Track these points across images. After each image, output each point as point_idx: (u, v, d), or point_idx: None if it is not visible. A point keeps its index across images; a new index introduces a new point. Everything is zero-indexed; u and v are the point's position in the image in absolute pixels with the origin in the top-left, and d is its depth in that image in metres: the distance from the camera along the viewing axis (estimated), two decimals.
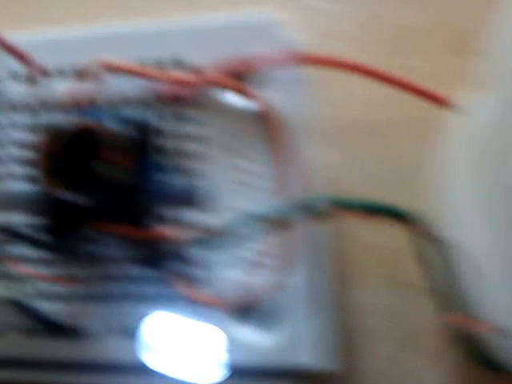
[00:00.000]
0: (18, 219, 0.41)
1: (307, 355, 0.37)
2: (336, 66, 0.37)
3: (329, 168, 0.38)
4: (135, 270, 0.39)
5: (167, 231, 0.37)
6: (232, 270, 0.38)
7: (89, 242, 0.38)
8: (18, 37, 0.40)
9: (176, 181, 0.38)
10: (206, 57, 0.38)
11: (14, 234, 0.40)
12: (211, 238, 0.36)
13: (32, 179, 0.40)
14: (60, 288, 0.40)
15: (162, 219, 0.38)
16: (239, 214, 0.37)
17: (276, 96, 0.38)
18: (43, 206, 0.38)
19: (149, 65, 0.39)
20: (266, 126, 0.38)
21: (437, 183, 0.35)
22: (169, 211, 0.38)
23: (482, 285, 0.32)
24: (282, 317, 0.37)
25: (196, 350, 0.38)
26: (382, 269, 0.39)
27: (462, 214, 0.33)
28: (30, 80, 0.41)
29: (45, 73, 0.41)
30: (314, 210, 0.35)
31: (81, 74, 0.40)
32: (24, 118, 0.41)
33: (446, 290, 0.34)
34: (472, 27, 0.37)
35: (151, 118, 0.37)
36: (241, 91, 0.38)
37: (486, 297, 0.32)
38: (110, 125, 0.37)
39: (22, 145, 0.41)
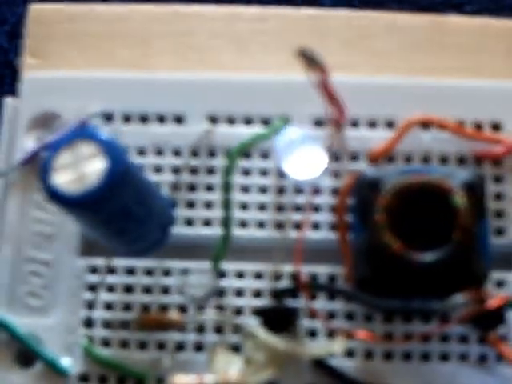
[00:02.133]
0: (321, 270, 0.39)
1: None
2: None
3: None
4: (457, 329, 0.38)
5: (491, 293, 0.37)
6: None
7: (409, 298, 0.37)
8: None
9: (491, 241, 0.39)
10: None
11: (321, 288, 0.38)
12: None
13: (333, 227, 0.39)
14: (358, 345, 0.38)
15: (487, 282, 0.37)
16: None
17: None
18: (365, 257, 0.37)
19: (466, 124, 0.40)
20: None
21: None
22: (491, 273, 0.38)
23: None
24: None
25: None
26: None
27: None
28: (337, 126, 0.40)
29: (353, 121, 0.40)
30: None
31: (391, 126, 0.40)
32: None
33: None
34: None
35: (479, 177, 0.37)
36: None
37: None
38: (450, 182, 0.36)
39: (323, 191, 0.39)
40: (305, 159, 0.37)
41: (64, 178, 0.31)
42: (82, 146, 0.31)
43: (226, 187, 0.37)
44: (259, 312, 0.37)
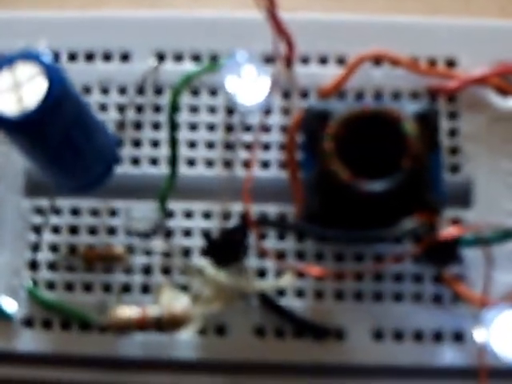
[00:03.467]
0: (270, 209, 0.38)
1: None
2: None
3: None
4: (411, 268, 0.37)
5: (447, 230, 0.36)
6: (495, 269, 0.37)
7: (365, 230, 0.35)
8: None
9: (447, 178, 0.38)
10: (478, 57, 0.38)
11: (270, 224, 0.37)
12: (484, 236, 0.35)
13: (281, 164, 0.38)
14: (309, 284, 0.37)
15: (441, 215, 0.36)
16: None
17: None
18: (314, 189, 0.35)
19: (420, 61, 0.39)
20: None
21: None
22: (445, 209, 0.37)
23: None
24: None
25: None
26: None
27: None
28: (287, 63, 0.38)
29: (304, 58, 0.39)
30: None
31: (342, 62, 0.39)
32: (278, 101, 0.38)
33: None
34: None
35: (431, 109, 0.36)
36: (504, 90, 0.39)
37: None
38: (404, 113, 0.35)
39: (272, 129, 0.38)
40: (250, 82, 0.36)
41: (4, 100, 0.30)
42: (23, 67, 0.30)
43: (172, 122, 0.36)
44: (206, 243, 0.35)
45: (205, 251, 0.35)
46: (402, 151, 0.34)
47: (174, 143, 0.36)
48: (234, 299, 0.35)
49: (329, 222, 0.35)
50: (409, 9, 0.42)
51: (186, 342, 0.36)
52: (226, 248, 0.35)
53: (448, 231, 0.34)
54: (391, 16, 0.40)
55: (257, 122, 0.37)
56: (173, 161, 0.36)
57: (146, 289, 0.37)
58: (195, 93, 0.38)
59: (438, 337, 0.37)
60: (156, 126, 0.38)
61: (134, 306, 0.35)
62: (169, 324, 0.33)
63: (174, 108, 0.36)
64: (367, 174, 0.34)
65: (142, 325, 0.33)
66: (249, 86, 0.36)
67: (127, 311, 0.33)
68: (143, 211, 0.36)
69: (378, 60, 0.38)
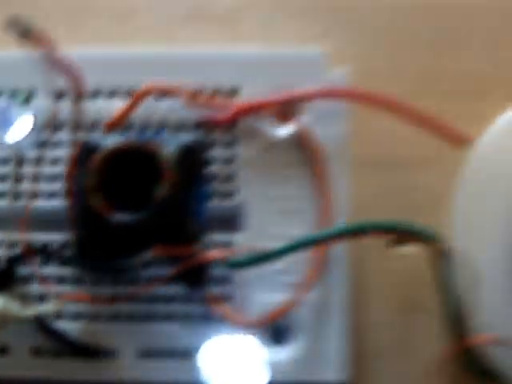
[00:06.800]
0: (52, 238, 0.41)
1: (322, 369, 0.39)
2: (371, 102, 0.41)
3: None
4: (165, 289, 0.40)
5: (206, 252, 0.38)
6: (258, 289, 0.39)
7: (122, 260, 0.38)
8: (71, 53, 0.40)
9: (216, 204, 0.40)
10: (260, 87, 0.40)
11: (46, 253, 0.40)
12: (246, 258, 0.38)
13: (64, 195, 0.40)
14: (85, 307, 0.40)
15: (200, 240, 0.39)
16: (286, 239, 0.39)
17: (315, 126, 0.40)
18: (79, 222, 0.38)
19: (206, 91, 0.41)
20: (303, 152, 0.41)
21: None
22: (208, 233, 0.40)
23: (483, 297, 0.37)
24: (298, 332, 0.40)
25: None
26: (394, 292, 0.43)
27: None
28: (76, 98, 0.41)
29: (93, 92, 0.41)
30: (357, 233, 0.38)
31: (131, 95, 0.41)
32: (64, 135, 0.41)
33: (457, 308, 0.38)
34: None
35: (196, 141, 0.39)
36: (281, 118, 0.41)
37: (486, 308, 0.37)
38: (165, 147, 0.38)
39: (58, 161, 0.41)
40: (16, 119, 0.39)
41: None
42: None
43: None
44: None
45: None
46: (157, 183, 0.37)
47: None
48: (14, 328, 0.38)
49: (94, 252, 0.38)
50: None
51: None
52: None
53: (202, 257, 0.37)
54: (181, 48, 0.42)
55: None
56: None
57: None
58: None
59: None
60: None
61: None
62: None
63: None
64: (127, 207, 0.37)
65: None
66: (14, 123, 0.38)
67: None
68: None
69: (162, 92, 0.41)
